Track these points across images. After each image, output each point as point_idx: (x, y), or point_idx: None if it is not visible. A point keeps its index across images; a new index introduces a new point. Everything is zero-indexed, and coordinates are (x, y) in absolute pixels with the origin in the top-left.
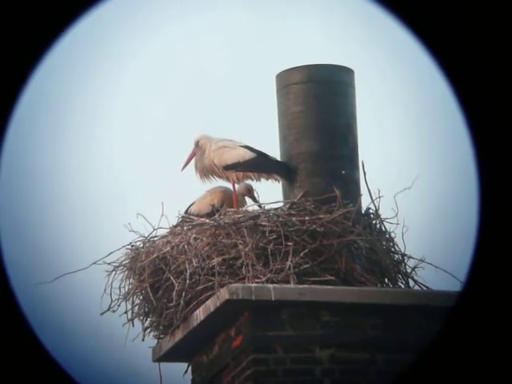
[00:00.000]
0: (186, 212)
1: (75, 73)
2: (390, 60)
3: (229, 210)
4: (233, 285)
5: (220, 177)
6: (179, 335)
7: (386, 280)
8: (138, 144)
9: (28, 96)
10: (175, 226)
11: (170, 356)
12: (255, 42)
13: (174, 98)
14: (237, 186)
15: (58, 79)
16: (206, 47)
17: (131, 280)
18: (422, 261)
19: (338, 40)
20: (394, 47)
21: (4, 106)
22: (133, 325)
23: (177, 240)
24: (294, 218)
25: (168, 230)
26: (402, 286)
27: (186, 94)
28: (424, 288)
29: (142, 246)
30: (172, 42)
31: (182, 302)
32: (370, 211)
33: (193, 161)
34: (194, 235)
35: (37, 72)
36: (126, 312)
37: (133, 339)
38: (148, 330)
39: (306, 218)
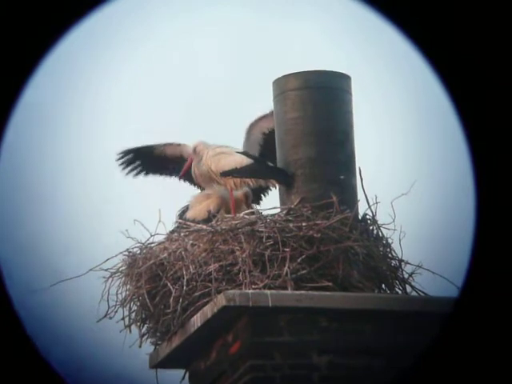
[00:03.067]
0: (181, 217)
1: (73, 73)
2: (388, 66)
3: (226, 216)
4: (230, 291)
5: (218, 183)
6: (176, 342)
7: (383, 286)
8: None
9: (27, 97)
10: (171, 232)
11: (167, 362)
12: (252, 48)
13: (171, 104)
14: (235, 192)
15: (57, 81)
16: (202, 53)
17: (128, 286)
18: (419, 267)
19: (335, 46)
20: (391, 53)
21: (3, 106)
22: (130, 331)
23: (174, 246)
24: (291, 224)
25: (165, 237)
26: (400, 292)
27: (182, 101)
28: (421, 294)
29: (139, 252)
30: (169, 47)
31: (179, 309)
32: (367, 217)
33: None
34: (191, 241)
35: (36, 73)
36: (123, 318)
37: (130, 346)
38: (145, 337)
39: (303, 224)
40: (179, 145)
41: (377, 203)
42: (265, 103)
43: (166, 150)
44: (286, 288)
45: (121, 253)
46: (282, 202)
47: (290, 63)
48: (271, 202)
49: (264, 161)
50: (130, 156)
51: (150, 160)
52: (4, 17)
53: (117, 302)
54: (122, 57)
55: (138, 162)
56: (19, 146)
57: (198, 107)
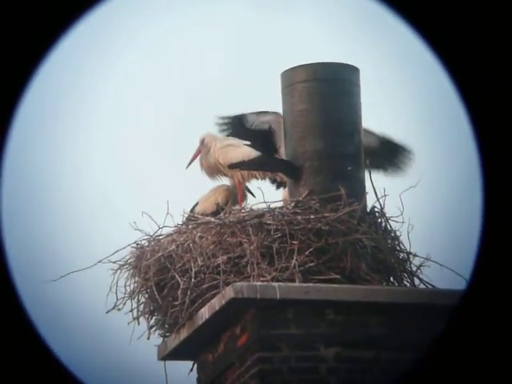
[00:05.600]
0: (191, 213)
1: (72, 73)
2: (395, 59)
3: (234, 208)
4: (238, 283)
5: (225, 175)
6: (184, 334)
7: (392, 278)
8: (144, 142)
9: (29, 98)
10: (181, 226)
11: (176, 354)
12: (260, 40)
13: (180, 97)
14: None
15: (55, 82)
16: (210, 45)
17: (136, 278)
18: (427, 259)
19: (343, 38)
20: (398, 46)
21: (5, 111)
22: (138, 323)
23: (182, 238)
24: (299, 217)
25: (173, 229)
26: (408, 285)
27: (191, 93)
28: (429, 286)
29: (147, 244)
30: (175, 41)
31: (187, 301)
32: (376, 210)
33: (198, 159)
34: (199, 234)
35: (35, 74)
36: (131, 310)
37: (138, 338)
38: (153, 329)
39: (311, 217)
40: (274, 113)
41: (385, 196)
42: (269, 100)
43: (256, 120)
44: (293, 280)
45: (129, 245)
46: (290, 194)
47: (298, 56)
48: (279, 195)
49: (272, 153)
50: (227, 123)
51: (241, 131)
52: (4, 17)
53: (125, 294)
54: (120, 55)
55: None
56: (26, 142)
57: (198, 105)
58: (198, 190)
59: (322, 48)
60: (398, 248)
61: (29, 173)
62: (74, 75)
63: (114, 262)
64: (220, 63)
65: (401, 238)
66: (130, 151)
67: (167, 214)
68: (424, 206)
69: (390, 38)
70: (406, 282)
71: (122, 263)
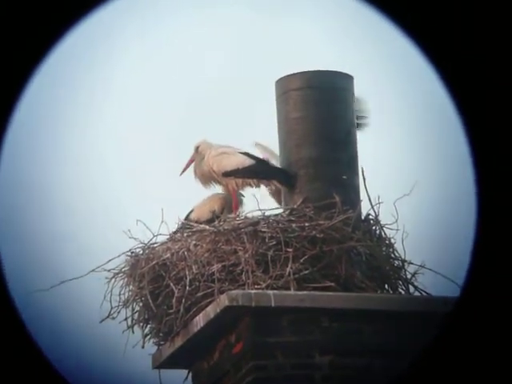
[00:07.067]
0: (186, 219)
1: (73, 73)
2: (389, 66)
3: (229, 216)
4: (233, 291)
5: (219, 183)
6: (179, 342)
7: (386, 286)
8: (138, 150)
9: (25, 103)
10: (175, 232)
11: (170, 363)
12: (260, 41)
13: (173, 104)
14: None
15: (58, 79)
16: (205, 54)
17: (131, 287)
18: (421, 266)
19: (337, 46)
20: (392, 53)
21: (4, 103)
22: (133, 332)
23: (177, 246)
24: (293, 225)
25: (168, 237)
26: (402, 292)
27: (185, 100)
28: (424, 294)
29: (141, 252)
30: (168, 47)
31: (181, 309)
32: (370, 217)
33: (192, 166)
34: (193, 242)
35: (32, 78)
36: (125, 319)
37: (133, 346)
38: (148, 337)
39: (306, 224)
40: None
41: (379, 203)
42: (265, 104)
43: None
44: (288, 288)
45: (123, 253)
46: (285, 202)
47: (290, 64)
48: (274, 203)
49: (267, 161)
50: None
51: None
52: (4, 16)
53: (119, 302)
54: (121, 55)
55: None
56: (19, 150)
57: (198, 105)
58: (192, 197)
59: (322, 50)
60: (392, 255)
61: (23, 180)
62: (76, 74)
63: (109, 271)
64: (220, 63)
65: (395, 246)
66: (130, 152)
67: (162, 221)
68: (418, 213)
69: (387, 44)
70: (400, 290)
71: (117, 271)
